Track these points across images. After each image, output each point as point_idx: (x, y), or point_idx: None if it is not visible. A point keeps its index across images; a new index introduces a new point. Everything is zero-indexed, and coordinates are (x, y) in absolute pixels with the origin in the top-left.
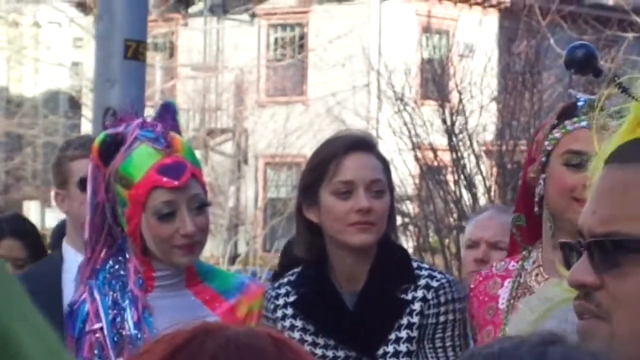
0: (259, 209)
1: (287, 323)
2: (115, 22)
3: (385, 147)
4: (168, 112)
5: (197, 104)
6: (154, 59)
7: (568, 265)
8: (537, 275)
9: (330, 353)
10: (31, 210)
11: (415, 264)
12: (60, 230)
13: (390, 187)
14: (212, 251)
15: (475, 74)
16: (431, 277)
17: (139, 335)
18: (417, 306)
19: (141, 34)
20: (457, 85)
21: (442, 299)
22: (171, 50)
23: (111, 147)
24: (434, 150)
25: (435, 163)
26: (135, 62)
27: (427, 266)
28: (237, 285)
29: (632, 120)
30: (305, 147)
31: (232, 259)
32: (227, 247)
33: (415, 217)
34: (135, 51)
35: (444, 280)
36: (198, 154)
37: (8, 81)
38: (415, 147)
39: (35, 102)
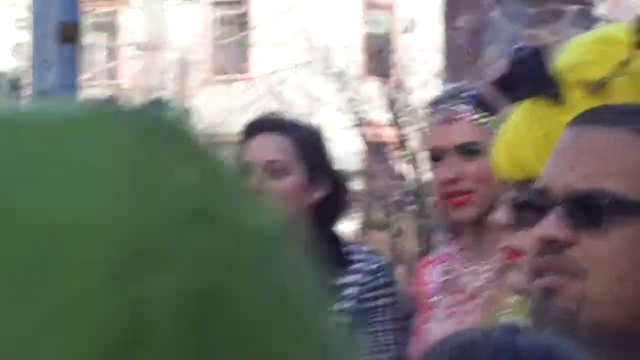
0: None
1: None
2: (48, 4)
3: (329, 125)
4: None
5: (140, 83)
6: (97, 39)
7: (519, 223)
8: (459, 257)
9: None
10: None
11: (348, 248)
12: None
13: (326, 166)
14: None
15: (416, 49)
16: (364, 261)
17: None
18: (350, 291)
19: (75, 15)
20: (398, 62)
21: (376, 283)
22: (114, 30)
23: None
24: (378, 127)
25: (380, 140)
26: (69, 46)
27: (360, 249)
28: None
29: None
30: None
31: None
32: None
33: (361, 194)
34: (70, 34)
35: (377, 265)
36: None
37: None
38: (359, 124)
39: None
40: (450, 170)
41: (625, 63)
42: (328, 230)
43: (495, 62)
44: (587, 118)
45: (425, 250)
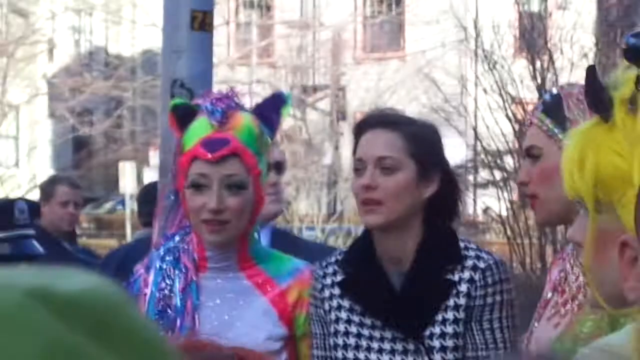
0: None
1: (335, 303)
2: None
3: (479, 105)
4: (275, 102)
5: (293, 61)
6: (250, 17)
7: None
8: (572, 257)
9: (377, 333)
10: (127, 171)
11: (462, 244)
12: (147, 193)
13: (438, 162)
14: (307, 210)
15: (566, 30)
16: (478, 257)
17: (182, 306)
18: (463, 287)
19: (207, 4)
20: (547, 42)
21: (490, 280)
22: (267, 8)
23: (181, 116)
24: (526, 106)
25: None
26: (202, 33)
27: (474, 246)
28: (291, 270)
29: None
30: (399, 103)
31: (329, 217)
32: (322, 204)
33: (513, 173)
34: (202, 22)
35: (491, 261)
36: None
37: (106, 42)
38: (507, 103)
39: (133, 63)
40: (520, 172)
41: (637, 80)
42: (442, 226)
43: None
44: None
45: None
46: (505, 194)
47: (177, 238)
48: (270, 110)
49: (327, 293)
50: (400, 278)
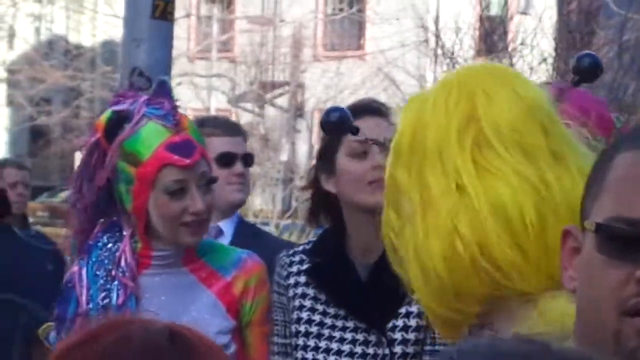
0: (312, 163)
1: (299, 290)
2: None
3: None
4: (164, 90)
5: (253, 57)
6: (211, 11)
7: (611, 254)
8: None
9: (339, 323)
10: None
11: None
12: None
13: None
14: (262, 205)
15: (526, 34)
16: None
17: None
18: (407, 336)
19: None
20: (508, 45)
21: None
22: (228, 2)
23: (117, 125)
24: None
25: None
26: (162, 22)
27: None
28: (234, 261)
29: None
30: None
31: (284, 213)
32: (277, 201)
33: None
34: (163, 10)
35: None
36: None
37: (67, 31)
38: None
39: (93, 53)
40: None
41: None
42: None
43: (603, 48)
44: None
45: None
46: None
47: (105, 242)
48: (170, 97)
49: (292, 280)
50: (367, 269)
